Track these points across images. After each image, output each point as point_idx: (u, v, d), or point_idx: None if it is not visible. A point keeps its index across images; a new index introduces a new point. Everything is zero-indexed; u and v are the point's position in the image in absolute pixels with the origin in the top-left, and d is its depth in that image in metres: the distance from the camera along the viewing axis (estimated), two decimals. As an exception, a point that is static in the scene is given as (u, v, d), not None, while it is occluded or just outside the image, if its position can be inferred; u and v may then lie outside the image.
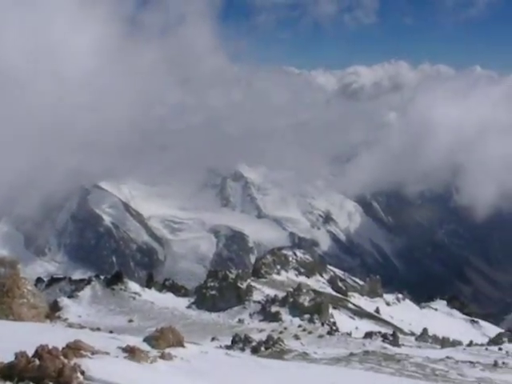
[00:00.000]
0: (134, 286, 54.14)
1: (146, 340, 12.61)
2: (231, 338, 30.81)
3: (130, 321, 43.98)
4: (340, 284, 71.18)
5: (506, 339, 46.33)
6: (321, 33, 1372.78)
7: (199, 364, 11.42)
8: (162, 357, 10.80)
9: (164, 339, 12.60)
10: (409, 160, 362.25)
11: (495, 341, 46.33)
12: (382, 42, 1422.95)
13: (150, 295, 51.42)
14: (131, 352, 10.10)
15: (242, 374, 12.12)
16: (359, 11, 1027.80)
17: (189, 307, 49.07)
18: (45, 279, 61.42)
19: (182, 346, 12.93)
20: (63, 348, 8.29)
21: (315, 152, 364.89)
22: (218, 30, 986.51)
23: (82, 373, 7.61)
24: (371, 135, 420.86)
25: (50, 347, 7.80)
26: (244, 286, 50.13)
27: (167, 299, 50.91)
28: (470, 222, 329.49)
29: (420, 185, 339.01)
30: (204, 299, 49.56)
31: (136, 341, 12.23)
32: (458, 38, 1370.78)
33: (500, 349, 39.92)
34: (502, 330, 56.55)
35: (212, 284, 50.59)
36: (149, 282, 58.03)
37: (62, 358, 7.74)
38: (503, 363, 30.37)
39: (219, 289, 49.86)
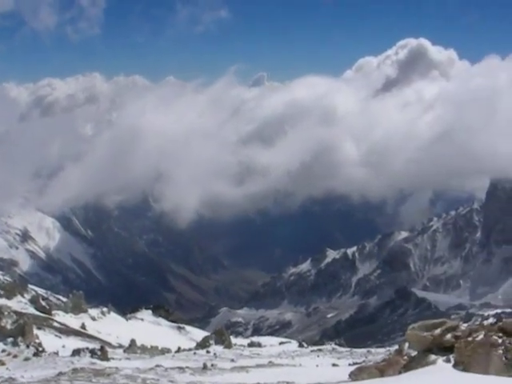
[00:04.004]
0: None
1: None
2: None
3: None
4: (43, 303, 67.94)
5: (212, 341, 47.40)
6: (15, 45, 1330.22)
7: None
8: None
9: None
10: (108, 172, 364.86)
11: (202, 344, 47.18)
12: (75, 55, 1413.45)
13: None
14: None
15: None
16: (55, 25, 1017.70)
17: None
18: None
19: None
20: None
21: (12, 169, 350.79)
22: None
23: None
24: (70, 149, 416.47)
25: None
26: None
27: None
28: (170, 229, 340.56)
29: (118, 196, 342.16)
30: None
31: None
32: (157, 50, 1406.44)
33: (208, 351, 40.69)
34: (208, 333, 57.98)
35: None
36: None
37: None
38: (212, 365, 30.87)
39: None
